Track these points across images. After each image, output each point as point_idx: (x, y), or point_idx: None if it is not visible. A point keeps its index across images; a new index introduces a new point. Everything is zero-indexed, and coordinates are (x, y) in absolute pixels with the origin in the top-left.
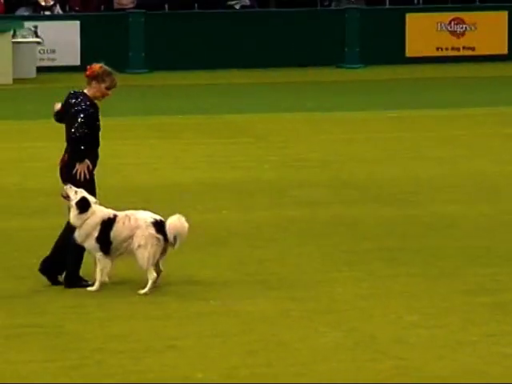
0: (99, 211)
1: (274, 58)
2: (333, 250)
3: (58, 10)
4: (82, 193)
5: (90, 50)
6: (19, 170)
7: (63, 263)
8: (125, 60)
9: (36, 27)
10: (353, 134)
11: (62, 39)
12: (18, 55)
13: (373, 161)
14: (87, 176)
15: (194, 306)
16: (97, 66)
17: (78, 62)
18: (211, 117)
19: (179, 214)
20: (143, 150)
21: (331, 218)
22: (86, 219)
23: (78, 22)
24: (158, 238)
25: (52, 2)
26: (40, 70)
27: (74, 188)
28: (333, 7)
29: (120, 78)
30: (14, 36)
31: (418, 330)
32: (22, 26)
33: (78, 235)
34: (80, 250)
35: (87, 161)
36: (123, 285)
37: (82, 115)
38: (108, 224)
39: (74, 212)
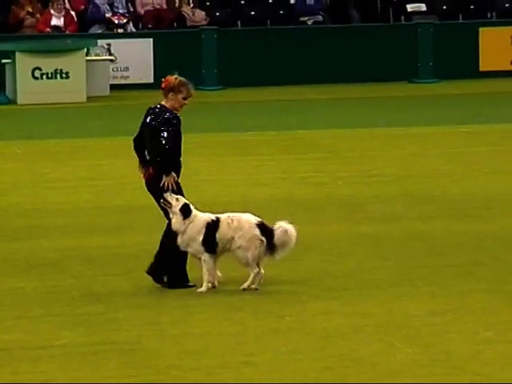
0: (202, 215)
1: (347, 73)
2: (407, 265)
3: (130, 27)
4: (183, 199)
5: (163, 68)
6: (92, 187)
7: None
8: (198, 77)
9: (109, 45)
10: (427, 149)
11: (135, 57)
12: (91, 73)
13: (447, 176)
14: (174, 187)
15: (269, 322)
16: (172, 78)
17: (151, 80)
18: (284, 133)
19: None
20: (216, 166)
21: (405, 233)
22: (190, 224)
23: (151, 40)
24: (261, 240)
25: (125, 20)
26: (113, 87)
27: (175, 195)
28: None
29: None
30: (87, 54)
31: (494, 345)
32: (95, 44)
33: (181, 241)
34: (183, 252)
35: (173, 173)
36: (197, 301)
37: (167, 127)
38: (213, 226)
39: (177, 218)
